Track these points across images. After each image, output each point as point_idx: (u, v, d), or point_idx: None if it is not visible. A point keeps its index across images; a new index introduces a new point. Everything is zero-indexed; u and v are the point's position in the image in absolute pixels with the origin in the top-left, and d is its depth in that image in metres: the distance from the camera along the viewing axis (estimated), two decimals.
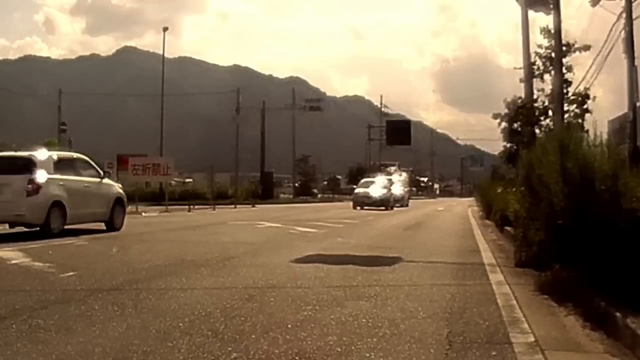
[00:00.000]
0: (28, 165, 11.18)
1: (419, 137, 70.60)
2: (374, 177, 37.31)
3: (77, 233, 11.53)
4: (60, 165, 11.90)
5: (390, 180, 36.86)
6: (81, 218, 12.11)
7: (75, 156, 13.29)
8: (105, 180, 13.38)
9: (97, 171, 13.34)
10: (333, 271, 6.76)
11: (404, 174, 54.31)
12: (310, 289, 5.61)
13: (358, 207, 29.55)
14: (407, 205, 36.47)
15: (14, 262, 7.47)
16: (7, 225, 11.50)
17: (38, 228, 11.06)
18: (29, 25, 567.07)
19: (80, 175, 12.45)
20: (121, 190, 14.02)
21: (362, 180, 35.70)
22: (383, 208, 29.29)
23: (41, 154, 12.03)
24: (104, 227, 12.82)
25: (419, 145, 77.91)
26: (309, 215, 21.70)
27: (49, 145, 39.06)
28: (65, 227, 11.44)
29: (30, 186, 10.88)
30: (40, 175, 11.05)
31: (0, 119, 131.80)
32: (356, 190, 33.27)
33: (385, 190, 31.71)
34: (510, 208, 9.16)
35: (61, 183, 11.54)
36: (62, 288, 5.53)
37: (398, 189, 36.48)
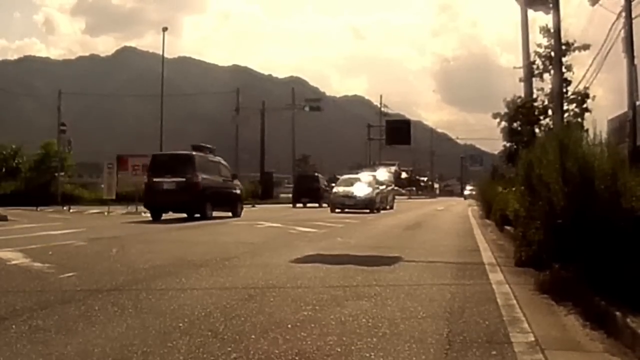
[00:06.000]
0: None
1: (419, 137, 70.78)
2: (357, 173, 32.77)
3: None
4: None
5: (374, 177, 31.74)
6: None
7: None
8: None
9: None
10: (333, 271, 6.75)
11: (392, 169, 50.63)
12: (310, 288, 5.60)
13: (337, 210, 25.09)
14: (391, 208, 30.56)
15: (13, 262, 7.46)
16: None
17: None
18: (29, 25, 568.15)
19: None
20: None
21: (343, 177, 30.56)
22: (367, 211, 24.84)
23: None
24: None
25: (418, 145, 78.11)
26: (308, 215, 21.70)
27: (49, 146, 39.09)
28: None
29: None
30: None
31: (0, 120, 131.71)
32: (335, 189, 27.77)
33: (370, 190, 26.76)
34: (510, 207, 9.14)
35: None
36: (61, 288, 5.52)
37: (381, 188, 30.18)
